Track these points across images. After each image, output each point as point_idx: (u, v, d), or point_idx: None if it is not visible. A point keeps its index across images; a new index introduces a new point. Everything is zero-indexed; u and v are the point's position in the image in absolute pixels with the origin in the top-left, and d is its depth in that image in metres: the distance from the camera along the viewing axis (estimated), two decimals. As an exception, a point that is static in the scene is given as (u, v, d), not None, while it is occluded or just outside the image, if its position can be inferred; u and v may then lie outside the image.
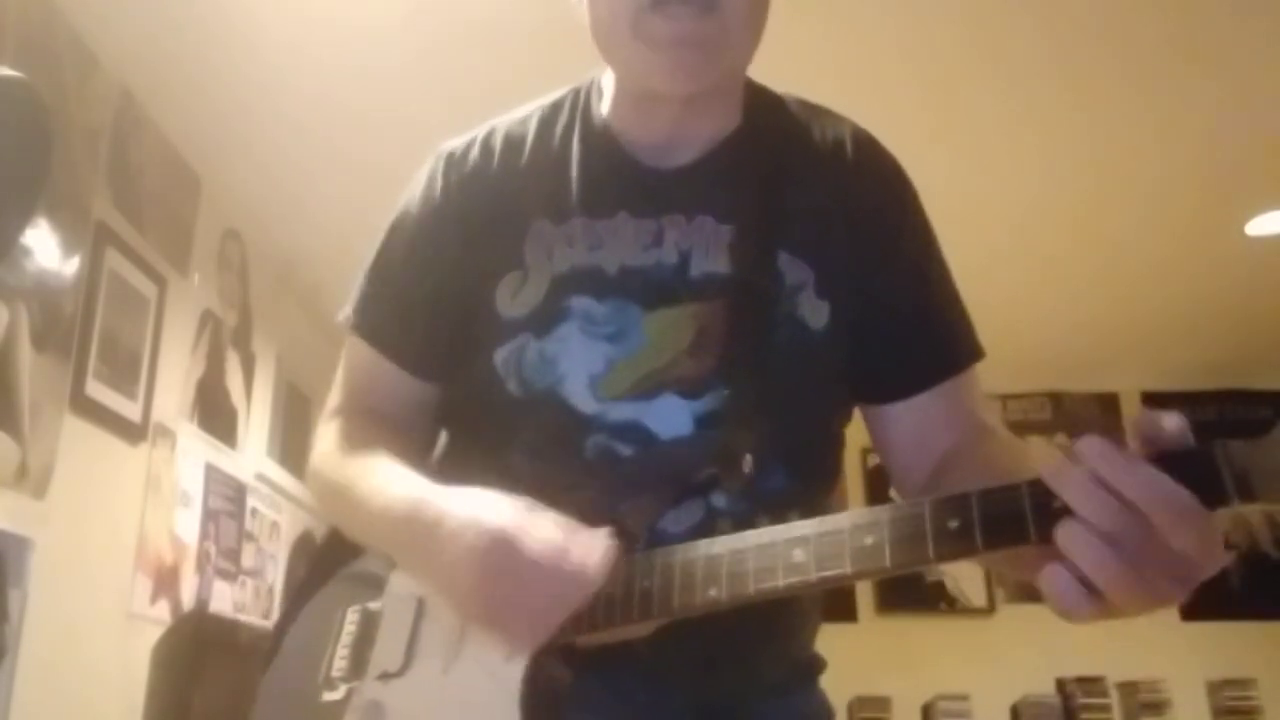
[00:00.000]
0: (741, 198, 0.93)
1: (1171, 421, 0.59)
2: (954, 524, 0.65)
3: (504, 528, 0.76)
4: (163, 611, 2.60)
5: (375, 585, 0.94)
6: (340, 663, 0.92)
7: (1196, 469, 0.58)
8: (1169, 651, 4.34)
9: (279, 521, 3.51)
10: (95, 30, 2.32)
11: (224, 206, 3.06)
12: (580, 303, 0.90)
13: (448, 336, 0.96)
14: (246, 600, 3.16)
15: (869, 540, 0.67)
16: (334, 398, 1.04)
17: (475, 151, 1.00)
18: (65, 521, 2.17)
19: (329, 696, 0.90)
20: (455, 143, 1.03)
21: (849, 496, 4.53)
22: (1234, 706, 4.23)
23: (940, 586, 4.55)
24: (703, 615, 0.76)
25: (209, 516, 2.91)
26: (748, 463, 0.83)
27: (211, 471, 2.95)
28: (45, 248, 2.16)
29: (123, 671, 2.41)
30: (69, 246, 2.24)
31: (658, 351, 0.88)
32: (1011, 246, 3.37)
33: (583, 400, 0.88)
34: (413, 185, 1.03)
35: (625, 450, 0.87)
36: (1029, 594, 4.46)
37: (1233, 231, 3.46)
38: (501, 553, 0.75)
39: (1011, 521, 0.63)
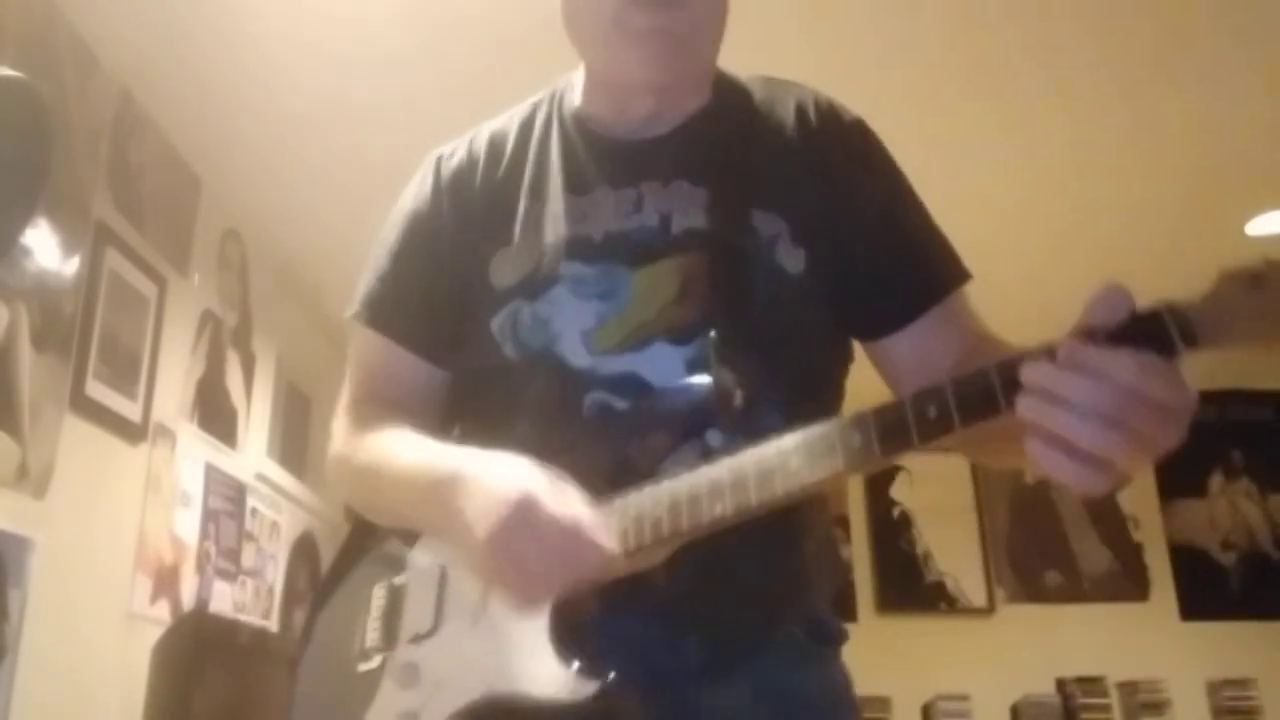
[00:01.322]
0: (713, 162, 1.00)
1: (1112, 299, 0.68)
2: (932, 411, 0.71)
3: (530, 489, 0.81)
4: (163, 611, 2.60)
5: (398, 564, 0.99)
6: (372, 635, 0.97)
7: (1148, 331, 0.68)
8: (1169, 651, 4.34)
9: (279, 521, 3.51)
10: (95, 30, 2.32)
11: (224, 206, 3.06)
12: (570, 268, 0.96)
13: (451, 317, 1.02)
14: (246, 600, 3.16)
15: (857, 437, 0.74)
16: (346, 394, 1.09)
17: (463, 150, 1.09)
18: (65, 521, 2.17)
19: (365, 667, 0.96)
20: (445, 147, 1.12)
21: (849, 496, 4.53)
22: (1234, 706, 4.23)
23: (940, 586, 4.55)
24: (715, 555, 0.83)
25: (209, 516, 2.91)
26: (739, 397, 0.87)
27: (211, 471, 2.95)
28: (45, 248, 2.16)
29: (123, 671, 2.41)
30: (69, 246, 2.24)
31: (646, 304, 0.94)
32: (1011, 247, 3.37)
33: (577, 355, 0.93)
34: (409, 187, 1.11)
35: (622, 404, 0.91)
36: (1029, 594, 4.49)
37: (1232, 231, 3.46)
38: (524, 509, 0.80)
39: (983, 399, 0.69)
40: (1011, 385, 0.68)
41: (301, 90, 2.61)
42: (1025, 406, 0.67)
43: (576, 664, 0.81)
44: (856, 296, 0.98)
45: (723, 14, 1.00)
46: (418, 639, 0.93)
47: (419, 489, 0.92)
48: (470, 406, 1.05)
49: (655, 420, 0.89)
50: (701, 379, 0.88)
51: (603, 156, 1.02)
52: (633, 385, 0.91)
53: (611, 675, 0.81)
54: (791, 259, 0.96)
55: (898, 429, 0.72)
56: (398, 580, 0.98)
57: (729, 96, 1.06)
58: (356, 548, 1.07)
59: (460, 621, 0.91)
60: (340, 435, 1.06)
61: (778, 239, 0.96)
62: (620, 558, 0.81)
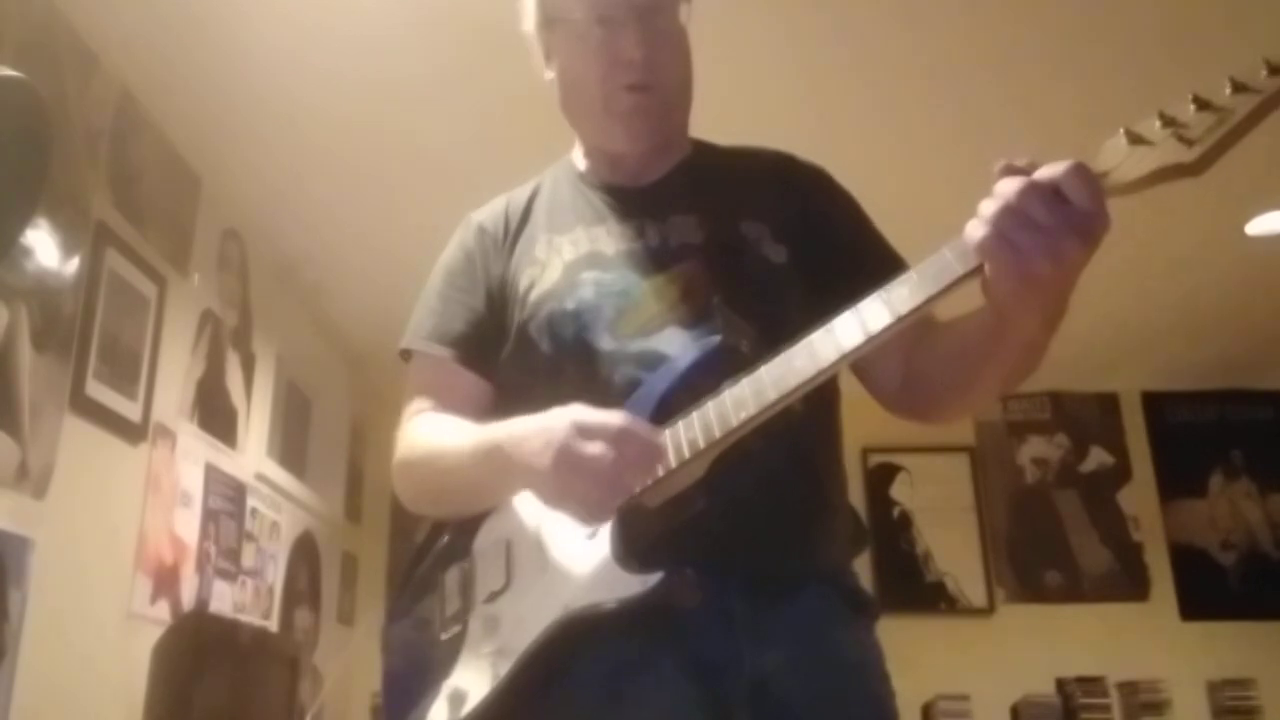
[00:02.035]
0: (700, 194, 1.20)
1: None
2: (904, 290, 0.89)
3: (573, 413, 0.96)
4: (163, 611, 2.60)
5: (464, 552, 1.11)
6: (451, 606, 1.09)
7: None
8: (1169, 651, 4.34)
9: (279, 521, 3.51)
10: (95, 30, 2.33)
11: (224, 206, 3.06)
12: (590, 275, 1.15)
13: (492, 336, 1.20)
14: (246, 600, 3.16)
15: (872, 309, 0.90)
16: (404, 415, 1.23)
17: (488, 210, 1.29)
18: (65, 521, 2.17)
19: (447, 635, 1.08)
20: (475, 211, 1.31)
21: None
22: (1234, 706, 4.23)
23: (940, 586, 4.56)
24: (748, 501, 1.00)
25: (209, 516, 2.91)
26: (745, 345, 1.03)
27: (211, 471, 2.95)
28: (45, 248, 2.16)
29: (123, 671, 2.41)
30: (69, 246, 2.24)
31: (656, 301, 1.11)
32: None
33: (603, 340, 1.09)
34: (448, 246, 1.30)
35: (647, 375, 1.05)
36: (1029, 594, 4.49)
37: (1233, 231, 3.47)
38: (576, 428, 0.94)
39: (962, 258, 0.86)
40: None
41: (302, 90, 2.61)
42: (983, 205, 0.86)
43: (636, 567, 0.95)
44: (830, 291, 1.08)
45: (689, 86, 1.23)
46: (493, 596, 1.05)
47: (479, 459, 1.05)
48: (515, 399, 1.16)
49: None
50: (712, 337, 1.03)
51: (607, 200, 1.22)
52: (654, 358, 1.06)
53: (671, 568, 0.93)
54: (775, 252, 1.15)
55: (913, 292, 0.89)
56: (466, 564, 1.10)
57: (705, 149, 1.29)
58: (425, 552, 1.19)
59: (529, 573, 1.03)
60: (401, 444, 1.20)
61: (762, 239, 1.15)
62: (666, 443, 0.95)
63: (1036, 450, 4.79)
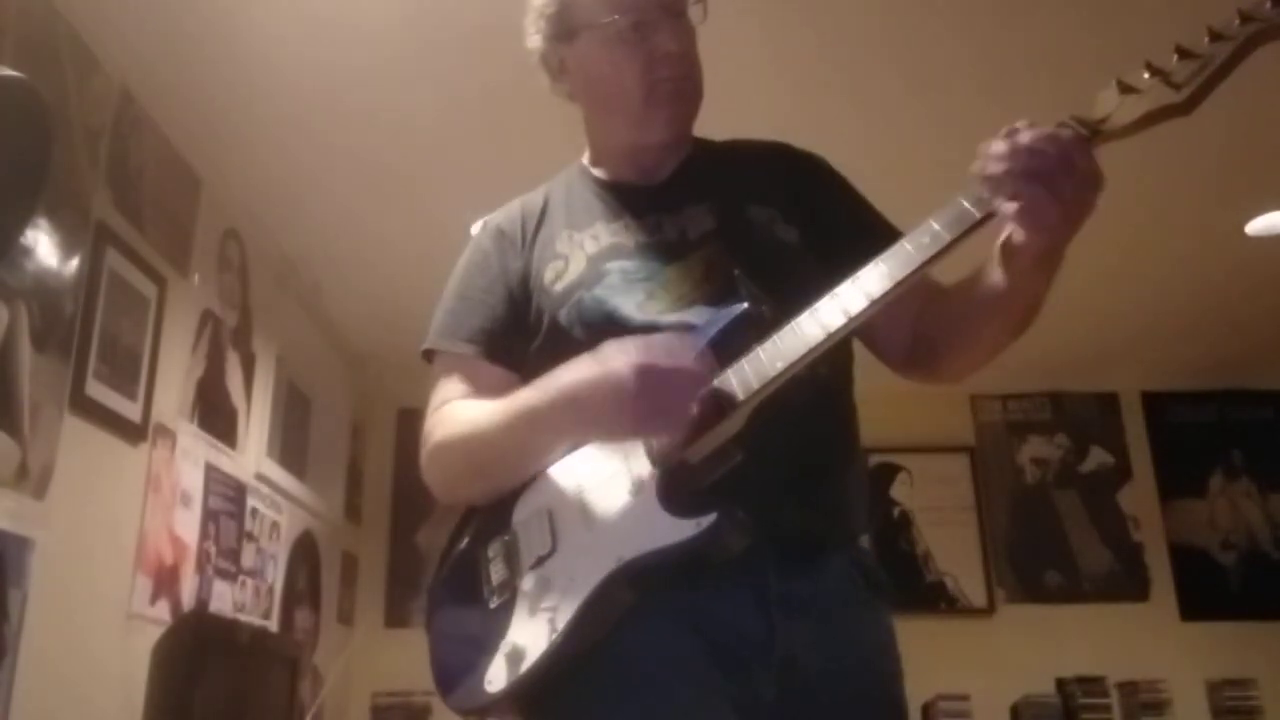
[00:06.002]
0: (707, 184, 1.26)
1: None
2: (925, 239, 0.97)
3: (628, 353, 1.00)
4: (163, 611, 2.60)
5: (502, 527, 1.13)
6: (497, 575, 1.11)
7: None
8: (1169, 651, 4.34)
9: (279, 521, 3.51)
10: (95, 30, 2.32)
11: (224, 206, 3.06)
12: (615, 264, 1.19)
13: (512, 329, 1.24)
14: (246, 600, 3.16)
15: (876, 271, 0.98)
16: (433, 406, 1.25)
17: (504, 213, 1.33)
18: (65, 521, 2.17)
19: (496, 602, 1.09)
20: (490, 215, 1.34)
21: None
22: (1234, 706, 4.23)
23: (940, 586, 4.56)
24: (785, 441, 1.04)
25: (209, 516, 2.91)
26: (768, 311, 1.06)
27: (211, 471, 2.95)
28: (45, 248, 2.16)
29: (123, 671, 2.41)
30: (69, 246, 2.24)
31: (682, 282, 1.16)
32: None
33: (635, 318, 1.13)
34: (465, 251, 1.34)
35: None
36: (1029, 594, 4.49)
37: (1233, 231, 3.47)
38: (641, 370, 0.98)
39: (962, 216, 0.96)
40: (978, 201, 0.96)
41: (302, 90, 2.61)
42: (978, 166, 0.93)
43: (687, 513, 0.98)
44: (842, 270, 1.12)
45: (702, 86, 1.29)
46: (541, 561, 1.07)
47: (535, 412, 1.07)
48: None
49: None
50: (737, 304, 1.06)
51: (622, 199, 1.27)
52: (686, 330, 1.08)
53: (724, 510, 0.97)
54: (787, 233, 1.21)
55: (906, 263, 0.97)
56: (507, 537, 1.12)
57: (705, 144, 1.34)
58: (461, 533, 1.21)
59: (576, 534, 1.06)
60: (434, 432, 1.22)
61: (773, 222, 1.21)
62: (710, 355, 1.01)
63: (1036, 450, 4.79)
